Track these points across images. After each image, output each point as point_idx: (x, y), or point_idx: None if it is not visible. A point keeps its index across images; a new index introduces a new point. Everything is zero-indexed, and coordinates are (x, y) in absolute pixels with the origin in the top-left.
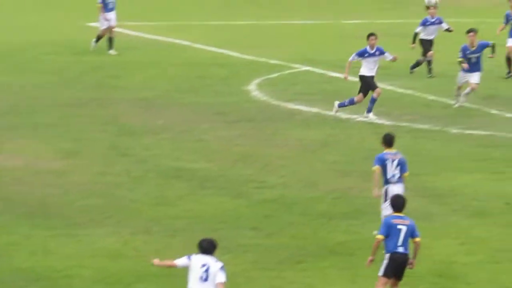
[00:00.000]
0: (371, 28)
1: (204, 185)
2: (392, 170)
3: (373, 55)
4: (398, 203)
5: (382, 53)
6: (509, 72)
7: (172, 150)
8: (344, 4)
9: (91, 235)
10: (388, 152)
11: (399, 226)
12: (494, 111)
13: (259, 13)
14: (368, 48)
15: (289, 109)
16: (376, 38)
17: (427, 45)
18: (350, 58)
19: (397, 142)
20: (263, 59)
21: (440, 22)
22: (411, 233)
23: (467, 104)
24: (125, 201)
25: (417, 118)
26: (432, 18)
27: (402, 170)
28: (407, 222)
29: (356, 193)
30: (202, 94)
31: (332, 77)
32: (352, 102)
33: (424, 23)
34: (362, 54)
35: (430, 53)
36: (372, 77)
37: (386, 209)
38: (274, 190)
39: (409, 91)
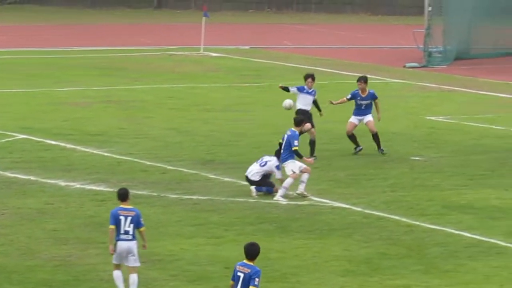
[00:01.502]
0: (85, 95)
1: None
2: (125, 227)
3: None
4: (249, 251)
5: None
6: (356, 147)
7: None
8: (56, 72)
9: None
10: (122, 207)
11: (239, 273)
12: (212, 176)
13: None
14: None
15: (6, 177)
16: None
17: (306, 115)
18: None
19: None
20: None
21: (315, 94)
22: (248, 281)
23: (185, 170)
24: None
25: (135, 184)
26: (310, 89)
27: (137, 226)
28: (247, 270)
29: (75, 261)
30: None
31: (49, 144)
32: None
33: (301, 90)
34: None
35: (307, 125)
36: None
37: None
38: None
39: (126, 157)
